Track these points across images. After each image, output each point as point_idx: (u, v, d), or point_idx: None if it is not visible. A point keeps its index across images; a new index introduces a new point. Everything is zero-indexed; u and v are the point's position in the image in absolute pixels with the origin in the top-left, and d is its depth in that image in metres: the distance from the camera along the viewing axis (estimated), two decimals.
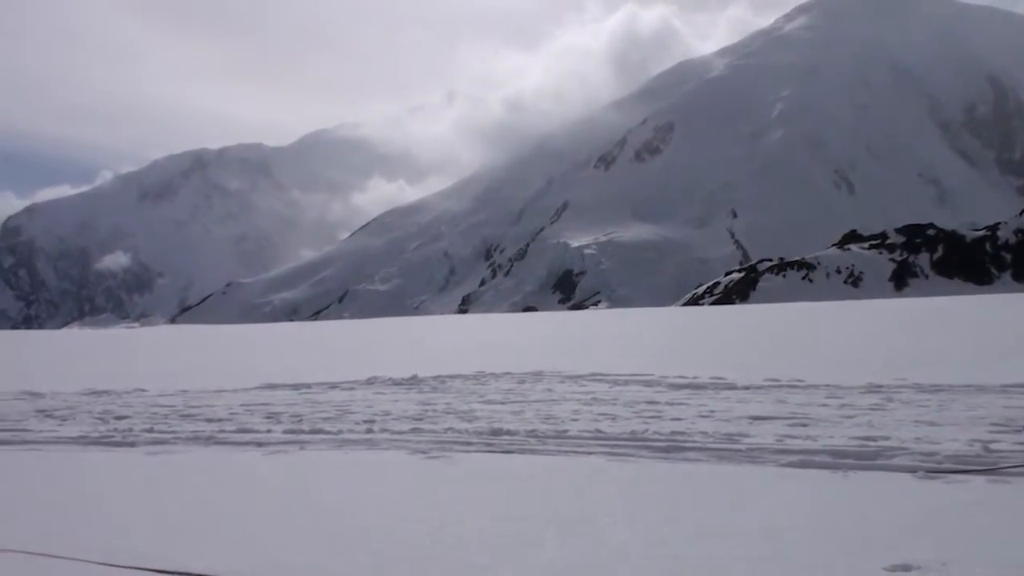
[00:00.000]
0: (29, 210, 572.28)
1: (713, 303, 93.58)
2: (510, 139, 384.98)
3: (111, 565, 4.78)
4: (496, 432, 8.64)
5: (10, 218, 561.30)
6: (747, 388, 11.36)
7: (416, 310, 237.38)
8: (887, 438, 7.58)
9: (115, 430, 9.89)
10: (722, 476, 6.51)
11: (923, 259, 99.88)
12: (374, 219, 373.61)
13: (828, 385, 11.22)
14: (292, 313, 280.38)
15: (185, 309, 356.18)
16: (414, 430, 9.00)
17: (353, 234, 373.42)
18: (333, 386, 13.48)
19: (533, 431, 8.59)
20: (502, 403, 10.91)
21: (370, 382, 13.83)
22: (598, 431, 8.48)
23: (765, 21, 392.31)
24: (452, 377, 14.01)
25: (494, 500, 5.95)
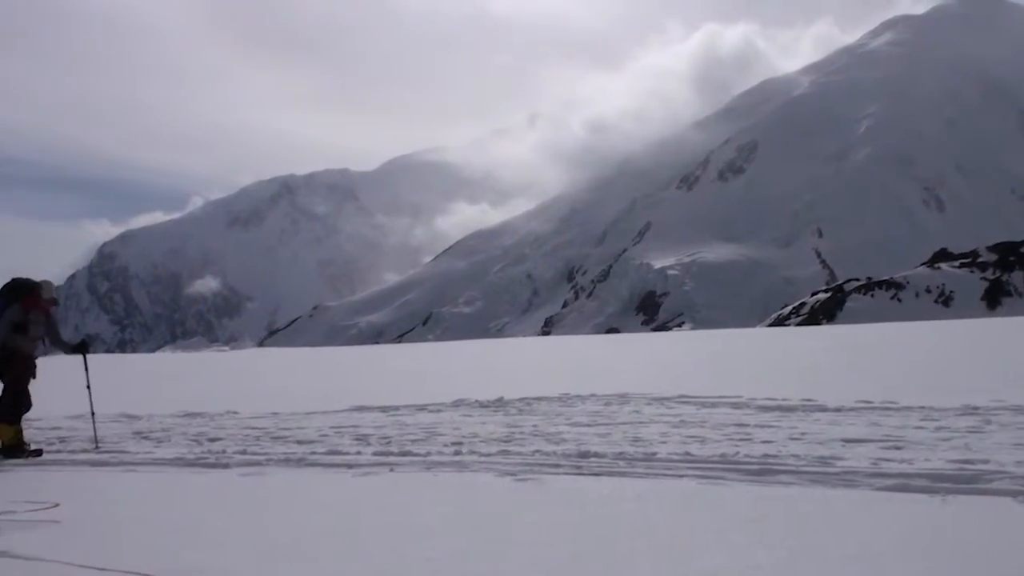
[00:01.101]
0: (123, 237, 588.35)
1: (799, 324, 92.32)
2: (593, 161, 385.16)
3: None
4: (584, 455, 8.61)
5: (105, 244, 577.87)
6: (838, 410, 11.17)
7: (499, 332, 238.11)
8: (986, 461, 7.39)
9: (209, 452, 10.09)
10: (816, 500, 6.40)
11: (1017, 277, 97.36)
12: (457, 242, 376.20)
13: (922, 407, 10.98)
14: (377, 336, 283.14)
15: (273, 332, 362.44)
16: (502, 452, 9.02)
17: (437, 257, 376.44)
18: (420, 408, 13.58)
19: (622, 454, 8.55)
20: (589, 425, 10.88)
21: (456, 404, 13.91)
22: (687, 454, 8.41)
23: (851, 38, 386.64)
24: (538, 399, 14.02)
25: (585, 523, 5.92)
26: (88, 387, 11.29)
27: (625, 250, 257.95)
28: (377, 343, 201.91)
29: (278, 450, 9.98)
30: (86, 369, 11.43)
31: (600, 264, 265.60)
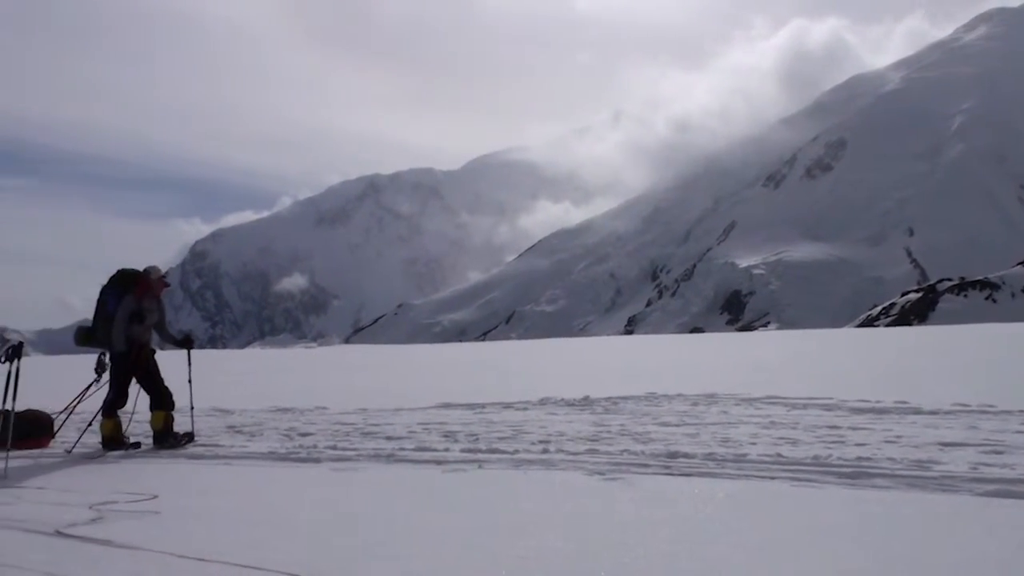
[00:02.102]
0: (215, 235, 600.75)
1: (889, 324, 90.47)
2: (677, 159, 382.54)
3: None
4: (673, 455, 8.54)
5: (197, 243, 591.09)
6: (934, 413, 10.91)
7: (581, 331, 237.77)
8: None
9: (301, 446, 10.24)
10: (914, 504, 6.27)
11: None
12: (540, 240, 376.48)
13: (1022, 411, 10.67)
14: (460, 334, 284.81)
15: (358, 329, 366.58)
16: (590, 451, 8.99)
17: (520, 256, 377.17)
18: (507, 406, 13.60)
19: (711, 454, 8.47)
20: (677, 425, 10.79)
21: (543, 403, 13.90)
22: (779, 455, 8.29)
23: (943, 32, 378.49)
24: (624, 398, 13.95)
25: (676, 524, 5.88)
26: (189, 382, 11.48)
27: (709, 249, 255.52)
28: (460, 341, 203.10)
29: (368, 446, 10.08)
30: (189, 364, 11.58)
31: (684, 263, 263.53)
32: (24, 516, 6.94)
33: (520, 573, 4.92)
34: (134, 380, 11.00)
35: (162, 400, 10.88)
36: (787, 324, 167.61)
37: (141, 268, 11.29)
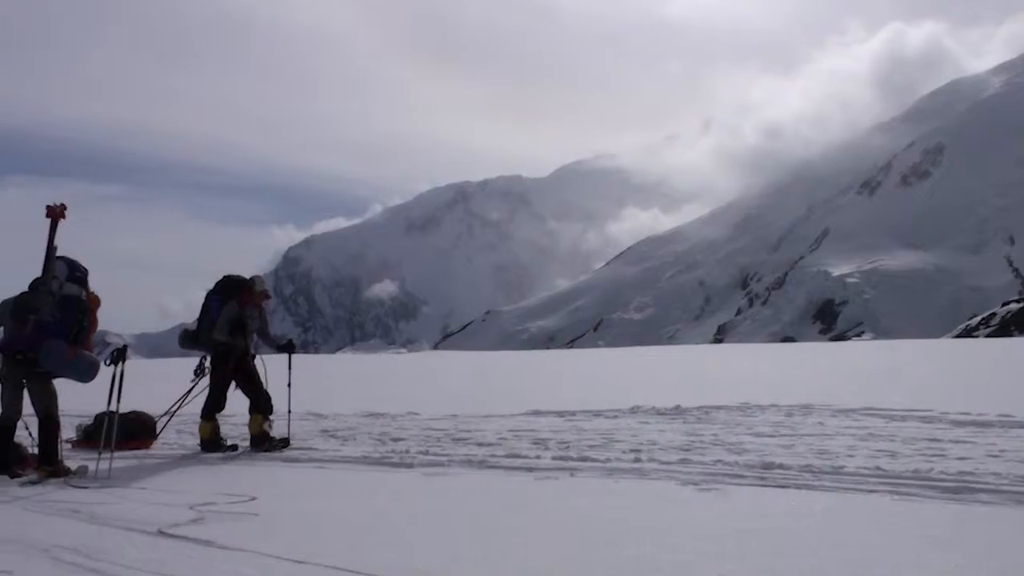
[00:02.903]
0: (307, 242, 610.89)
1: (989, 335, 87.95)
2: (768, 166, 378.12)
3: None
4: (768, 466, 8.41)
5: (290, 249, 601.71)
6: None
7: (670, 339, 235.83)
8: None
9: (393, 451, 10.33)
10: (1020, 522, 6.08)
11: None
12: (629, 248, 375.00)
13: None
14: (548, 341, 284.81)
15: (447, 336, 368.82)
16: (682, 461, 8.91)
17: (608, 263, 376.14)
18: (597, 414, 13.56)
19: (807, 466, 8.32)
20: (771, 436, 10.64)
21: (633, 411, 13.83)
22: (878, 468, 8.11)
23: None
24: (716, 408, 13.80)
25: (774, 536, 5.78)
26: (288, 386, 11.63)
27: (802, 257, 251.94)
28: (547, 348, 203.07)
29: (459, 451, 10.13)
30: (289, 369, 11.71)
31: (775, 271, 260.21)
32: (128, 516, 7.11)
33: None
34: (233, 384, 11.21)
35: (261, 404, 11.05)
36: (882, 334, 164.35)
37: (246, 276, 11.51)
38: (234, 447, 11.07)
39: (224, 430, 11.53)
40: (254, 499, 7.58)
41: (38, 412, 9.44)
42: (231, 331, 11.00)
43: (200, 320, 11.31)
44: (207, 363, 11.18)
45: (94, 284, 9.61)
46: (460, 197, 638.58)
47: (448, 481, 8.38)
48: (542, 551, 5.60)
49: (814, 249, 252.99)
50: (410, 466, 9.28)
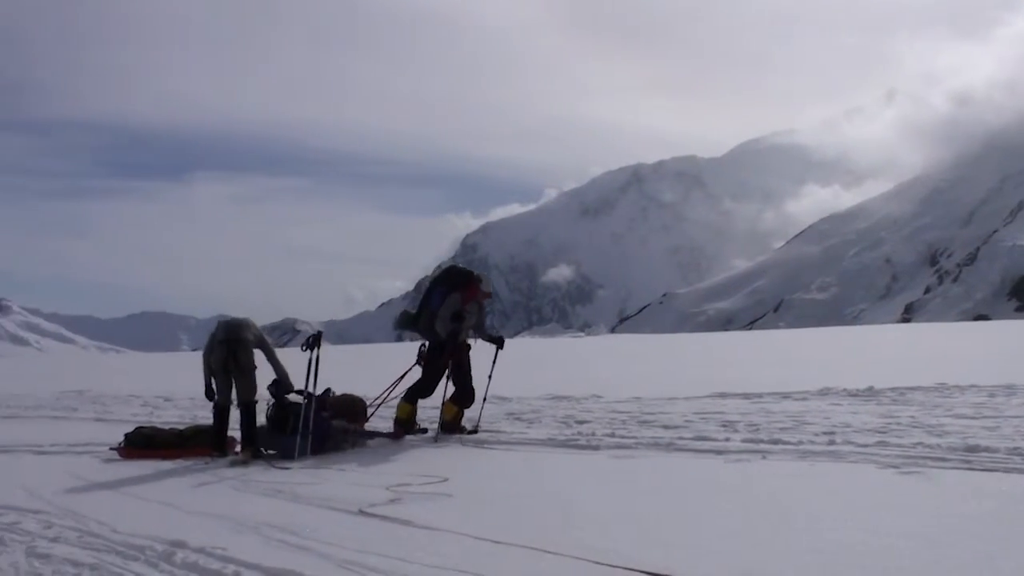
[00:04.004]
0: (484, 228, 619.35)
1: None
2: (957, 136, 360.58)
3: (604, 564, 4.99)
4: (972, 448, 8.02)
5: (468, 236, 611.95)
6: None
7: (854, 320, 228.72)
8: None
9: (579, 434, 10.35)
10: None
11: None
12: (809, 226, 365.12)
13: None
14: (726, 323, 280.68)
15: (624, 319, 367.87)
16: (880, 443, 8.60)
17: (788, 242, 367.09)
18: (785, 396, 13.23)
19: (1016, 449, 7.88)
20: (973, 418, 10.15)
21: (823, 393, 13.43)
22: None
23: None
24: (912, 389, 13.26)
25: (986, 521, 5.52)
26: (490, 377, 11.63)
27: (995, 231, 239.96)
28: (726, 330, 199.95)
29: (645, 434, 10.07)
30: (494, 362, 11.69)
31: (966, 247, 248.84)
32: (328, 496, 7.39)
33: (819, 567, 4.77)
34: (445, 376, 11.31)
35: (463, 397, 11.15)
36: None
37: (472, 270, 11.70)
38: (424, 430, 11.26)
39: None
40: (447, 480, 7.74)
41: (241, 400, 10.22)
42: (450, 322, 11.13)
43: (420, 306, 11.52)
44: (425, 349, 11.34)
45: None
46: (634, 179, 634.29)
47: (636, 464, 8.35)
48: (739, 535, 5.51)
49: (1008, 223, 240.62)
50: (596, 448, 9.29)
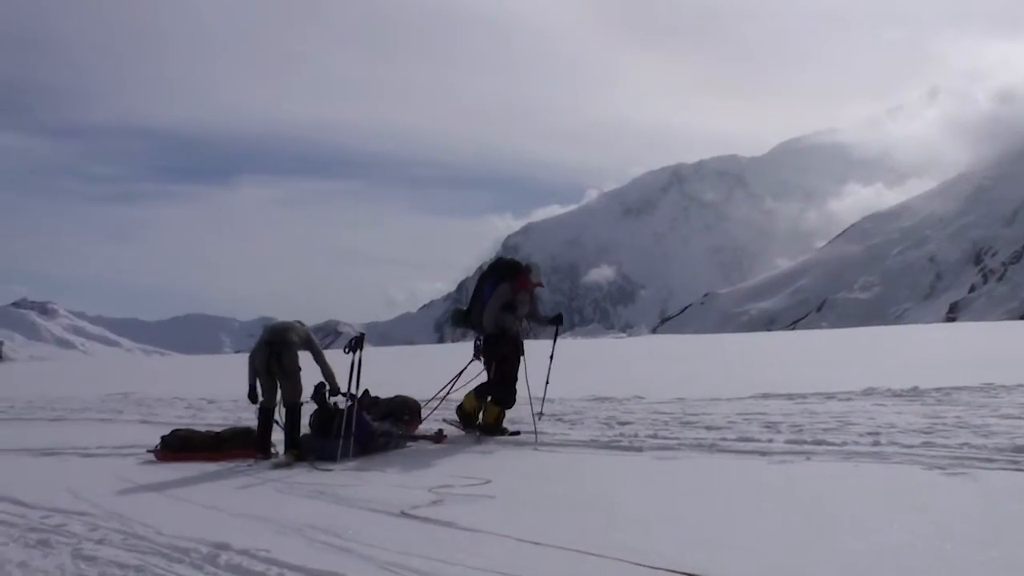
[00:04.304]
0: (525, 229, 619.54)
1: None
2: (1002, 134, 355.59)
3: (646, 566, 4.97)
4: (1019, 449, 7.90)
5: (509, 237, 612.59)
6: None
7: (898, 319, 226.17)
8: None
9: (621, 435, 10.30)
10: None
11: None
12: (852, 225, 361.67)
13: None
14: (769, 323, 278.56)
15: (665, 319, 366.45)
16: (925, 444, 8.49)
17: (831, 241, 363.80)
18: (829, 396, 13.10)
19: None
20: (1020, 418, 9.98)
21: (867, 393, 13.29)
22: None
23: None
24: (957, 389, 13.08)
25: None
26: (551, 357, 11.54)
27: None
28: (769, 330, 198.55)
29: (688, 435, 10.01)
30: (554, 340, 11.61)
31: (1012, 245, 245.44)
32: (371, 497, 7.41)
33: (863, 569, 4.72)
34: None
35: (506, 396, 10.98)
36: None
37: (520, 261, 11.57)
38: (517, 432, 10.96)
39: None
40: (489, 482, 7.74)
41: (286, 402, 10.31)
42: (501, 313, 11.03)
43: (471, 301, 11.46)
44: (480, 343, 11.23)
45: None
46: (675, 179, 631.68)
47: (679, 465, 8.30)
48: (782, 536, 5.47)
49: None
50: (639, 450, 9.25)
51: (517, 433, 10.91)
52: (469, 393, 11.21)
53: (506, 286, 11.07)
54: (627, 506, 6.62)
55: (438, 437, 10.95)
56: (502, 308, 11.02)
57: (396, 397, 11.71)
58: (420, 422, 11.79)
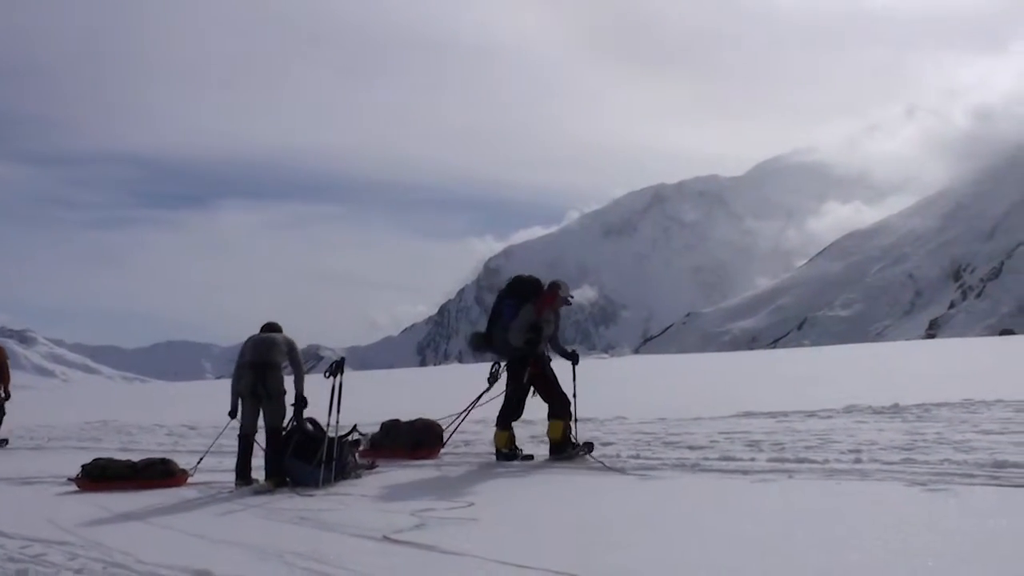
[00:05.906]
0: (506, 251, 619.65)
1: None
2: (979, 151, 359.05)
3: None
4: (1000, 464, 7.94)
5: (490, 259, 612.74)
6: None
7: (879, 336, 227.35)
8: None
9: (604, 455, 10.27)
10: None
11: None
12: (832, 243, 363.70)
13: None
14: (751, 341, 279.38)
15: (647, 339, 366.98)
16: (906, 460, 8.52)
17: (811, 260, 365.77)
18: (810, 414, 13.13)
19: None
20: (1001, 433, 10.03)
21: (848, 410, 13.32)
22: None
23: None
24: (937, 405, 13.12)
25: (1015, 537, 5.46)
26: (574, 395, 10.82)
27: (1019, 245, 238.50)
28: (750, 349, 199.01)
29: (670, 455, 10.01)
30: (574, 378, 10.97)
31: (990, 261, 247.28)
32: (353, 522, 7.38)
33: None
34: (532, 390, 10.86)
35: (562, 409, 10.54)
36: None
37: (531, 277, 11.25)
38: (530, 456, 10.76)
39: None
40: (472, 505, 7.72)
41: (268, 426, 10.14)
42: (528, 336, 10.65)
43: (490, 323, 11.08)
44: (501, 369, 11.00)
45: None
46: (656, 200, 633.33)
47: (662, 485, 8.31)
48: (767, 556, 5.47)
49: None
50: (622, 470, 9.24)
51: (530, 457, 10.70)
52: (497, 432, 10.79)
53: (530, 307, 10.67)
54: (610, 527, 6.62)
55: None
56: (528, 330, 10.61)
57: (418, 420, 11.63)
58: (443, 445, 11.68)
